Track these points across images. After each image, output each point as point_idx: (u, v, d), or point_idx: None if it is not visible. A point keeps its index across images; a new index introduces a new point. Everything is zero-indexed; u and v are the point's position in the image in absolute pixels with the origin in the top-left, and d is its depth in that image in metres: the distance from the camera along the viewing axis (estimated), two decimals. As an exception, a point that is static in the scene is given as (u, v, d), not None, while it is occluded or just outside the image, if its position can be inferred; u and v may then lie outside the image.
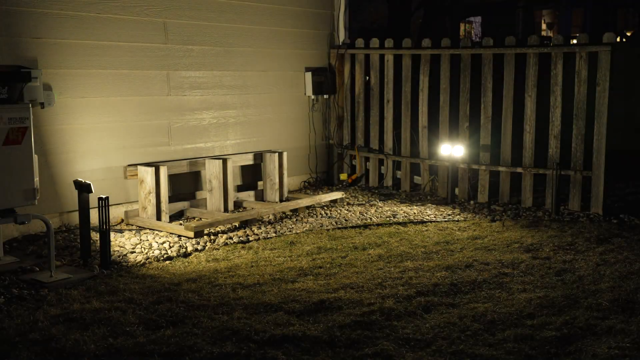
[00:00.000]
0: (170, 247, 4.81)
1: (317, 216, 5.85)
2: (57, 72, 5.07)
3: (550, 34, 22.32)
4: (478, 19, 23.19)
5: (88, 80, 5.26)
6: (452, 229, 5.28)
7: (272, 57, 6.71)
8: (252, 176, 6.58)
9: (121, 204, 5.53)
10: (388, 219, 5.73)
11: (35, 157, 4.39)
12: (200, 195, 6.08)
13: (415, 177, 7.01)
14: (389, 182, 7.04)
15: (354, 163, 7.31)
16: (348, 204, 6.32)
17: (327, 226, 5.48)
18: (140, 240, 5.01)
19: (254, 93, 6.56)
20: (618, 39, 9.60)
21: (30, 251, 4.65)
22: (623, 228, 5.29)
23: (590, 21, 21.12)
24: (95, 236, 4.61)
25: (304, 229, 5.42)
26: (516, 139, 6.22)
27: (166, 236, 5.09)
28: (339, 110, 7.29)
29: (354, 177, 7.21)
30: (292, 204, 5.96)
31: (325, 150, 7.33)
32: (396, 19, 13.30)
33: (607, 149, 5.75)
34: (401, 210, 6.03)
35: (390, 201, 6.41)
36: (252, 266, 4.33)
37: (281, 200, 6.29)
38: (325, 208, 6.14)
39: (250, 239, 5.09)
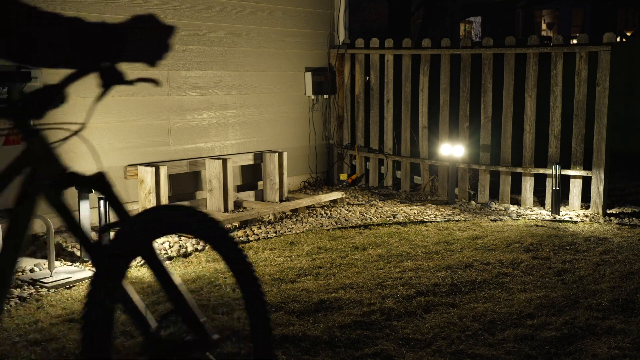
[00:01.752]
0: (170, 247, 4.81)
1: (317, 216, 5.85)
2: (57, 72, 5.06)
3: (550, 34, 22.31)
4: (478, 19, 23.19)
5: (88, 80, 5.25)
6: (452, 229, 5.28)
7: (272, 57, 6.71)
8: (252, 176, 6.59)
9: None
10: (388, 219, 5.73)
11: (35, 157, 4.39)
12: (200, 195, 6.08)
13: (415, 177, 7.01)
14: (389, 182, 7.04)
15: (354, 163, 7.31)
16: (348, 204, 6.33)
17: (327, 226, 5.48)
18: (140, 240, 5.01)
19: (254, 93, 6.57)
20: (618, 39, 9.59)
21: (30, 251, 4.65)
22: (623, 228, 5.29)
23: (590, 21, 21.13)
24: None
25: (304, 229, 5.42)
26: (516, 139, 6.22)
27: (166, 236, 5.09)
28: (339, 110, 7.29)
29: (354, 177, 7.21)
30: (292, 204, 5.96)
31: (325, 150, 7.33)
32: (396, 19, 13.29)
33: (607, 149, 5.75)
34: (401, 210, 6.04)
35: (390, 201, 6.41)
36: (252, 266, 4.33)
37: (281, 200, 6.30)
38: (325, 208, 6.14)
39: (250, 239, 5.09)
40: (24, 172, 1.99)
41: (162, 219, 2.17)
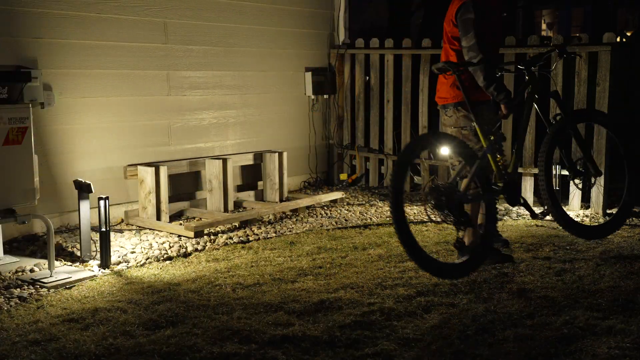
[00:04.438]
0: (170, 247, 4.81)
1: (317, 216, 5.85)
2: (57, 72, 5.07)
3: (550, 34, 22.30)
4: (478, 19, 23.12)
5: (88, 80, 5.27)
6: (452, 229, 5.26)
7: (272, 57, 6.71)
8: (252, 176, 6.59)
9: (121, 204, 5.53)
10: (388, 219, 5.73)
11: (35, 157, 4.40)
12: (200, 195, 6.08)
13: (416, 177, 7.01)
14: (389, 182, 7.03)
15: (354, 163, 7.31)
16: (348, 204, 6.32)
17: (327, 226, 5.48)
18: (140, 240, 5.01)
19: (254, 93, 6.57)
20: (618, 39, 9.56)
21: (30, 251, 4.66)
22: (623, 228, 5.28)
23: (590, 21, 21.11)
24: (95, 236, 4.62)
25: (304, 229, 5.42)
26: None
27: (166, 236, 5.09)
28: (339, 110, 7.29)
29: (354, 177, 7.20)
30: (292, 204, 5.96)
31: (325, 150, 7.33)
32: (396, 19, 13.28)
33: (607, 149, 5.74)
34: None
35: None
36: (252, 266, 4.33)
37: (281, 200, 6.30)
38: (325, 208, 6.14)
39: (250, 239, 5.09)
40: (528, 89, 4.34)
41: (587, 113, 5.13)
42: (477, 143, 4.16)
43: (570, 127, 4.55)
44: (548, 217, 4.61)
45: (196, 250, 4.78)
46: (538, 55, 4.37)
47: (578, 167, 4.66)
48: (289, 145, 6.86)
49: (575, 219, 4.89)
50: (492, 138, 4.10)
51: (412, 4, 13.99)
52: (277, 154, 6.33)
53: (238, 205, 6.08)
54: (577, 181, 4.71)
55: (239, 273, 4.18)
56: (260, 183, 6.56)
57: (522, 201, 4.31)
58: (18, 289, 3.90)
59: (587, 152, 4.68)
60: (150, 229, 5.29)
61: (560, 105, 4.56)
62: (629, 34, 13.54)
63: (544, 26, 23.69)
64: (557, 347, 3.06)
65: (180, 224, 5.36)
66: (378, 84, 6.99)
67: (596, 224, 5.12)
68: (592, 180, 4.73)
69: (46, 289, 3.91)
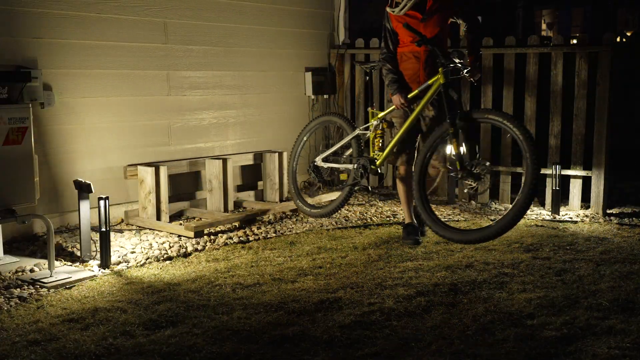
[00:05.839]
0: (170, 247, 4.81)
1: (317, 216, 5.84)
2: (57, 72, 5.07)
3: (550, 34, 22.29)
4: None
5: (88, 80, 5.26)
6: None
7: (272, 57, 6.71)
8: (252, 176, 6.59)
9: (121, 204, 5.53)
10: (388, 219, 5.73)
11: (35, 157, 4.40)
12: (200, 195, 6.08)
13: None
14: (389, 182, 7.04)
15: (354, 163, 7.30)
16: (348, 203, 6.32)
17: (327, 226, 5.48)
18: (140, 240, 5.01)
19: (254, 93, 6.57)
20: (618, 39, 9.57)
21: (30, 251, 4.66)
22: (623, 228, 5.29)
23: (590, 21, 21.10)
24: (95, 236, 4.62)
25: (304, 229, 5.42)
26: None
27: (166, 236, 5.09)
28: (339, 110, 7.29)
29: (354, 177, 7.18)
30: (292, 204, 5.96)
31: (326, 150, 7.31)
32: (396, 19, 13.29)
33: (607, 149, 5.75)
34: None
35: (390, 201, 6.41)
36: (252, 266, 4.33)
37: (281, 200, 6.29)
38: (325, 208, 6.13)
39: (250, 239, 5.09)
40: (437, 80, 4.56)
41: (468, 113, 4.49)
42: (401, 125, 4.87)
43: (453, 130, 4.38)
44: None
45: (196, 250, 4.78)
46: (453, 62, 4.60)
47: (473, 170, 4.38)
48: (289, 145, 6.85)
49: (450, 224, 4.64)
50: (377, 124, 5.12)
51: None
52: (277, 154, 6.33)
53: (238, 205, 6.08)
54: (468, 182, 4.44)
55: (239, 273, 4.18)
56: (260, 183, 6.56)
57: (364, 186, 5.19)
58: (18, 289, 3.90)
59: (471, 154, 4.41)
60: (150, 229, 5.29)
61: (447, 105, 4.41)
62: (629, 34, 13.54)
63: (544, 26, 23.69)
64: (557, 347, 3.06)
65: (180, 224, 5.36)
66: (378, 84, 6.99)
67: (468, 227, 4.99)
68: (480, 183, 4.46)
69: (46, 289, 3.92)
